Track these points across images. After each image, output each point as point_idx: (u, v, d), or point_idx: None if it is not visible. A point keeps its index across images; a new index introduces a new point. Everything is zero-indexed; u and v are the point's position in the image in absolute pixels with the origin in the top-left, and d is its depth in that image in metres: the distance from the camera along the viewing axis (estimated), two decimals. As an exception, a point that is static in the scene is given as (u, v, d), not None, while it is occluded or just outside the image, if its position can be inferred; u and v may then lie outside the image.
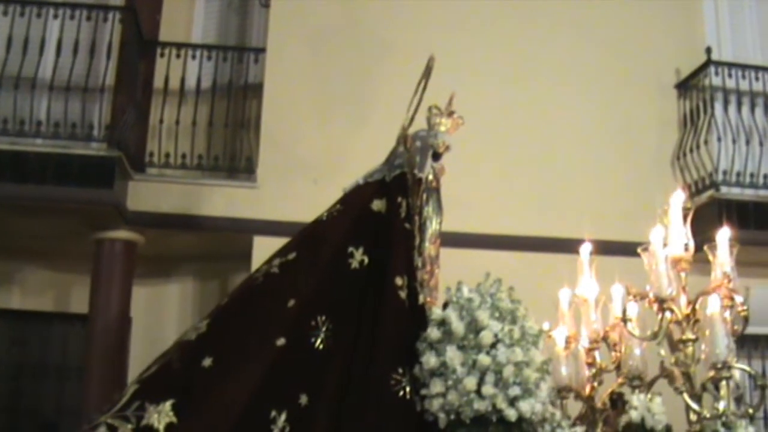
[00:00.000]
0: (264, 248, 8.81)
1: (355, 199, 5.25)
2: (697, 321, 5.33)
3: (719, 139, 9.84)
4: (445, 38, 9.52)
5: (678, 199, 5.62)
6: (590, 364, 6.08)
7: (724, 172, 9.81)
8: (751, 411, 5.17)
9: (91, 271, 8.98)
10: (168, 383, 4.37)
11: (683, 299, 5.44)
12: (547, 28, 10.03)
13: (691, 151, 10.00)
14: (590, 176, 9.79)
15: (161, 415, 4.17)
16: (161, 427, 4.15)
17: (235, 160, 9.54)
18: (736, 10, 11.10)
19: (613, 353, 5.99)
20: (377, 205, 5.18)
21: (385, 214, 5.15)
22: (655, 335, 5.37)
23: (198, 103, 9.42)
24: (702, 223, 9.63)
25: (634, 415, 5.39)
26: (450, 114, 5.42)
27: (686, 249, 5.50)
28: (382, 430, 4.49)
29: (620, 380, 5.94)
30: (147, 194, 9.04)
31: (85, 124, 8.75)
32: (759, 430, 5.07)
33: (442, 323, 4.67)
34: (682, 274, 5.50)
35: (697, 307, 5.37)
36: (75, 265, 9.45)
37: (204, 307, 9.72)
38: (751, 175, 9.95)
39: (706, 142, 9.85)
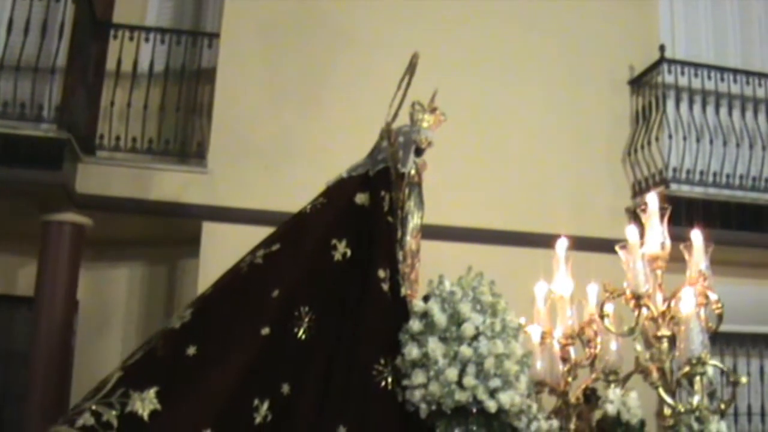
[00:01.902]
0: (213, 234, 8.85)
1: (338, 192, 5.29)
2: (672, 318, 5.40)
3: (670, 137, 9.94)
4: (401, 29, 9.55)
5: (655, 198, 5.68)
6: (565, 360, 6.16)
7: (675, 170, 9.92)
8: (723, 406, 5.25)
9: (38, 254, 8.87)
10: (152, 371, 4.40)
11: (659, 296, 5.52)
12: (501, 21, 10.06)
13: (642, 147, 10.08)
14: (545, 171, 9.84)
15: (145, 402, 4.20)
16: (145, 414, 4.19)
17: (186, 145, 9.46)
18: (691, 9, 11.21)
19: (587, 349, 6.07)
20: (361, 198, 5.22)
21: (369, 207, 5.20)
22: (631, 331, 5.45)
23: (150, 86, 9.31)
24: (651, 220, 9.79)
25: (610, 408, 5.50)
26: (432, 110, 5.44)
27: (662, 247, 5.57)
28: (363, 419, 4.53)
29: (594, 375, 6.02)
30: (96, 177, 8.92)
31: (35, 105, 8.60)
32: (730, 426, 5.14)
33: (424, 315, 4.73)
34: (658, 272, 5.58)
35: (672, 304, 5.46)
36: (22, 247, 9.34)
37: (152, 292, 9.69)
38: (701, 173, 10.05)
39: (657, 139, 9.94)
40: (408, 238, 5.17)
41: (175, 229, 9.19)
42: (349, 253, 5.00)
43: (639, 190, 10.10)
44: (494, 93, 9.72)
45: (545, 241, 9.38)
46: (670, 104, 10.12)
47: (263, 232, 8.71)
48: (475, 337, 4.63)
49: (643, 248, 5.57)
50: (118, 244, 9.68)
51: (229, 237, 8.80)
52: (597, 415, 5.80)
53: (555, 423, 5.39)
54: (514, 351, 4.67)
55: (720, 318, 5.39)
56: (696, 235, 5.59)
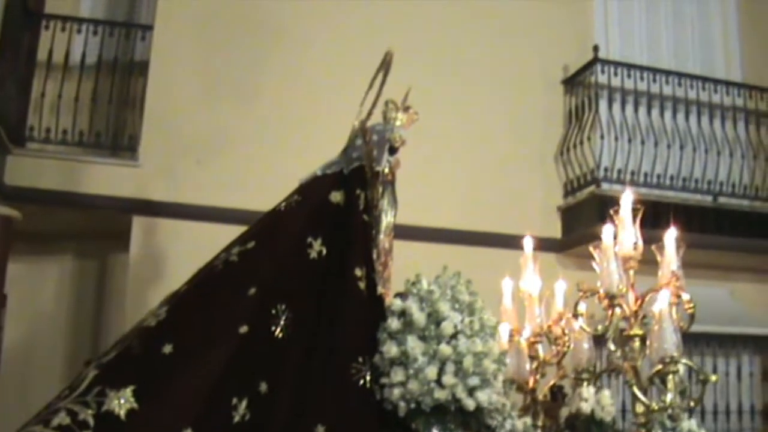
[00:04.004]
0: (144, 228, 8.80)
1: (313, 190, 5.23)
2: (644, 317, 5.49)
3: (602, 136, 10.03)
4: (334, 26, 9.61)
5: (628, 198, 5.73)
6: (533, 357, 6.22)
7: (606, 169, 10.01)
8: (692, 404, 5.34)
9: (-35, 247, 8.74)
10: (128, 369, 4.32)
11: (630, 296, 5.60)
12: (434, 21, 10.10)
13: (575, 147, 10.17)
14: (479, 169, 9.89)
15: (122, 401, 4.12)
16: (122, 413, 4.10)
17: (118, 138, 9.35)
18: (625, 10, 11.34)
19: (554, 347, 6.17)
20: (336, 196, 5.17)
21: (344, 205, 5.16)
22: (605, 330, 5.52)
23: (82, 78, 9.18)
24: (582, 219, 9.90)
25: (584, 406, 5.57)
26: (406, 109, 5.45)
27: (635, 247, 5.63)
28: (342, 418, 4.51)
29: (560, 373, 6.13)
30: (26, 169, 8.79)
31: (-37, 95, 8.51)
32: (699, 423, 5.25)
33: (402, 314, 4.72)
34: (631, 272, 5.66)
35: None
36: (-52, 239, 9.21)
37: (82, 286, 9.59)
38: (632, 173, 10.16)
39: (589, 138, 10.03)
40: (381, 236, 5.18)
41: (106, 222, 9.08)
42: (324, 251, 4.95)
43: (570, 189, 10.20)
44: (426, 92, 9.71)
45: (478, 238, 9.51)
46: (603, 104, 10.24)
47: (194, 226, 8.79)
48: (454, 336, 4.64)
49: (618, 247, 5.65)
50: (47, 237, 9.55)
51: (159, 231, 8.77)
52: (564, 412, 5.90)
53: (529, 421, 5.42)
54: (492, 349, 4.69)
55: (692, 317, 5.47)
56: (669, 236, 5.65)
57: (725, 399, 10.91)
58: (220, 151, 9.02)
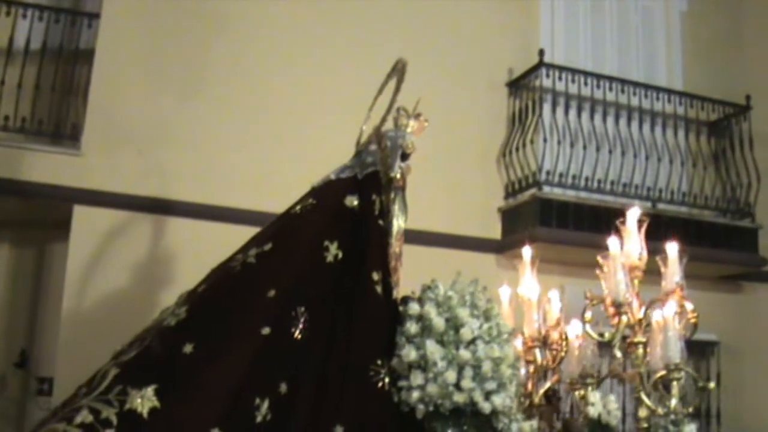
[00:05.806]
0: (84, 217, 8.71)
1: (328, 194, 5.30)
2: (648, 325, 5.64)
3: (545, 140, 10.11)
4: (280, 18, 9.58)
5: (635, 211, 5.85)
6: (530, 362, 6.29)
7: (548, 172, 10.10)
8: (691, 410, 5.53)
9: None
10: (149, 368, 4.37)
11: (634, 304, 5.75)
12: (379, 20, 10.12)
13: (517, 149, 10.25)
14: (421, 169, 9.86)
15: (144, 399, 4.17)
16: (145, 411, 4.15)
17: (60, 126, 9.21)
18: (571, 15, 11.43)
19: (549, 351, 6.28)
20: (350, 201, 5.23)
21: (359, 210, 5.22)
22: (612, 338, 5.66)
23: (26, 64, 9.06)
24: (522, 221, 9.99)
25: (591, 411, 5.71)
26: (417, 116, 5.58)
27: (640, 258, 5.74)
28: (361, 419, 4.58)
29: (555, 377, 6.23)
30: (-35, 156, 8.69)
31: None
32: (700, 428, 5.39)
33: (420, 318, 4.81)
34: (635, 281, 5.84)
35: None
36: None
37: (19, 276, 9.47)
38: (573, 177, 10.27)
39: (532, 141, 10.12)
40: (393, 240, 5.24)
41: (46, 211, 8.98)
42: (341, 255, 5.01)
43: (512, 191, 10.28)
44: (368, 90, 9.74)
45: (418, 237, 9.52)
46: (547, 108, 10.32)
47: (135, 217, 8.72)
48: (473, 341, 4.75)
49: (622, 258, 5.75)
50: (-15, 225, 9.45)
51: (100, 221, 8.69)
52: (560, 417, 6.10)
53: (534, 423, 5.48)
54: (508, 355, 4.82)
55: (695, 327, 5.62)
56: (671, 248, 5.76)
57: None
58: (163, 142, 8.96)
